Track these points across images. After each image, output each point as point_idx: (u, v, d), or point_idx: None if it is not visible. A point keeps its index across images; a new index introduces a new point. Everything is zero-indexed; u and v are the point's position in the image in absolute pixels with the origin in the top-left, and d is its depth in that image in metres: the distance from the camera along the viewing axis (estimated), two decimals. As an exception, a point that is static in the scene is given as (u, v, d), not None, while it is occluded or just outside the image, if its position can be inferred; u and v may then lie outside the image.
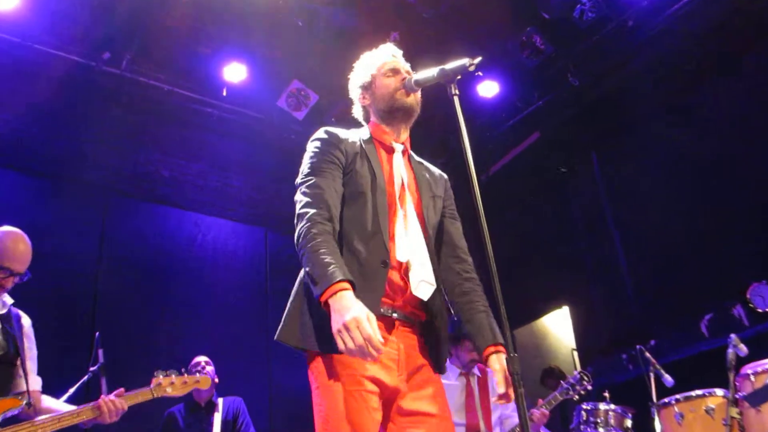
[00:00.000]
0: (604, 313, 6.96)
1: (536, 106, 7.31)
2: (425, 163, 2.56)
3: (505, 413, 4.69)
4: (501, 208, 7.46)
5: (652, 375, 4.51)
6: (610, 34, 6.45)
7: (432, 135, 7.46)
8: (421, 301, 2.25)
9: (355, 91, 2.54)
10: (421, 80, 2.34)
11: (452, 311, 2.41)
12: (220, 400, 5.16)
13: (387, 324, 2.18)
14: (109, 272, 6.00)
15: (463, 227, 2.54)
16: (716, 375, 3.78)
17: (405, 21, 6.52)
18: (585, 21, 6.30)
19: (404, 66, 2.47)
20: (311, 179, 2.24)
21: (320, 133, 2.39)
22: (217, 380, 5.05)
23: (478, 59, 2.20)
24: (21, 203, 5.73)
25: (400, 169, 2.37)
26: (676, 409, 3.98)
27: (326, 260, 2.00)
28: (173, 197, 6.80)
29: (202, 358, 5.19)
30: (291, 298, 2.24)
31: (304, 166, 2.31)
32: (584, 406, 4.54)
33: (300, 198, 2.22)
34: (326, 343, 2.05)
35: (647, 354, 4.59)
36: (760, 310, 5.42)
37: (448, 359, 4.75)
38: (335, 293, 1.94)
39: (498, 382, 2.19)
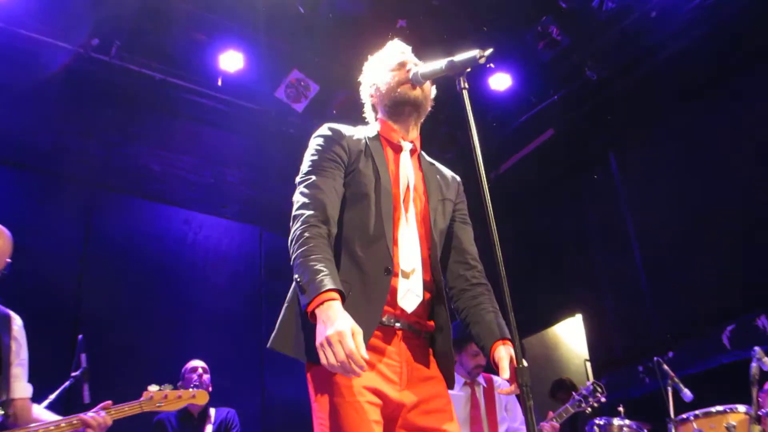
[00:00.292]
0: (619, 322, 6.95)
1: (551, 101, 7.31)
2: (437, 164, 2.56)
3: (513, 426, 4.70)
4: (511, 209, 7.46)
5: (670, 389, 4.52)
6: (631, 25, 6.44)
7: (439, 130, 7.47)
8: (427, 310, 2.26)
9: (364, 92, 2.56)
10: (427, 72, 2.34)
11: (458, 317, 2.42)
12: (213, 411, 5.17)
13: (389, 334, 2.18)
14: (93, 272, 6.00)
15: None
16: (738, 390, 3.79)
17: (412, 8, 6.53)
18: (605, 11, 6.31)
19: (412, 60, 2.47)
20: (310, 178, 2.24)
21: (323, 129, 2.39)
22: (210, 389, 5.08)
23: (489, 50, 2.21)
24: (0, 198, 5.74)
25: (406, 170, 2.37)
26: (695, 425, 3.99)
27: (316, 267, 2.00)
28: (163, 193, 6.80)
29: (199, 363, 5.19)
30: (286, 303, 2.24)
31: (305, 165, 2.32)
32: (597, 421, 4.54)
33: (297, 198, 2.23)
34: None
35: (665, 366, 4.60)
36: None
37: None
38: (322, 303, 1.94)
39: (502, 368, 2.16)
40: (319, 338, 1.89)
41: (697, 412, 4.02)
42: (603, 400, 4.61)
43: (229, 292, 6.82)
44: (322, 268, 2.00)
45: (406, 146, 2.42)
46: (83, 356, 4.06)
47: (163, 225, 6.72)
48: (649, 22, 6.36)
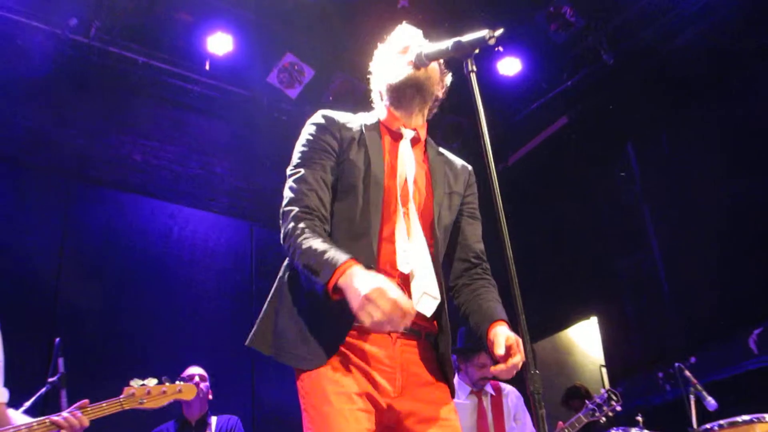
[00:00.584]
0: (637, 325, 6.95)
1: (564, 87, 7.30)
2: (447, 153, 2.53)
3: (523, 437, 4.70)
4: (520, 204, 7.44)
5: (692, 397, 4.52)
6: (651, 5, 6.41)
7: (442, 119, 7.45)
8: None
9: (372, 82, 2.54)
10: (432, 53, 2.31)
11: (459, 313, 2.41)
12: (214, 419, 5.18)
13: (381, 338, 2.18)
14: (71, 269, 5.99)
15: (477, 223, 2.53)
16: (766, 398, 3.78)
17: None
18: (622, -10, 6.29)
19: (418, 44, 2.45)
20: (299, 171, 2.25)
21: (316, 116, 2.38)
22: (211, 396, 5.07)
23: (499, 31, 2.19)
24: (-28, 189, 5.74)
25: (405, 160, 2.34)
26: (719, 436, 3.98)
27: (322, 248, 2.03)
28: (146, 185, 6.80)
29: (197, 371, 5.17)
30: (268, 299, 2.26)
31: (295, 156, 2.32)
32: (614, 432, 4.54)
33: (286, 193, 2.24)
34: (308, 359, 2.09)
35: (687, 373, 4.59)
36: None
37: (457, 375, 4.78)
38: (344, 273, 1.95)
39: (497, 344, 2.13)
40: (356, 300, 1.89)
41: (721, 422, 4.00)
42: (618, 409, 4.61)
43: (218, 291, 6.82)
44: (330, 247, 2.04)
45: (407, 134, 2.38)
46: (60, 360, 4.05)
47: (146, 219, 6.70)
48: (671, 1, 6.33)
